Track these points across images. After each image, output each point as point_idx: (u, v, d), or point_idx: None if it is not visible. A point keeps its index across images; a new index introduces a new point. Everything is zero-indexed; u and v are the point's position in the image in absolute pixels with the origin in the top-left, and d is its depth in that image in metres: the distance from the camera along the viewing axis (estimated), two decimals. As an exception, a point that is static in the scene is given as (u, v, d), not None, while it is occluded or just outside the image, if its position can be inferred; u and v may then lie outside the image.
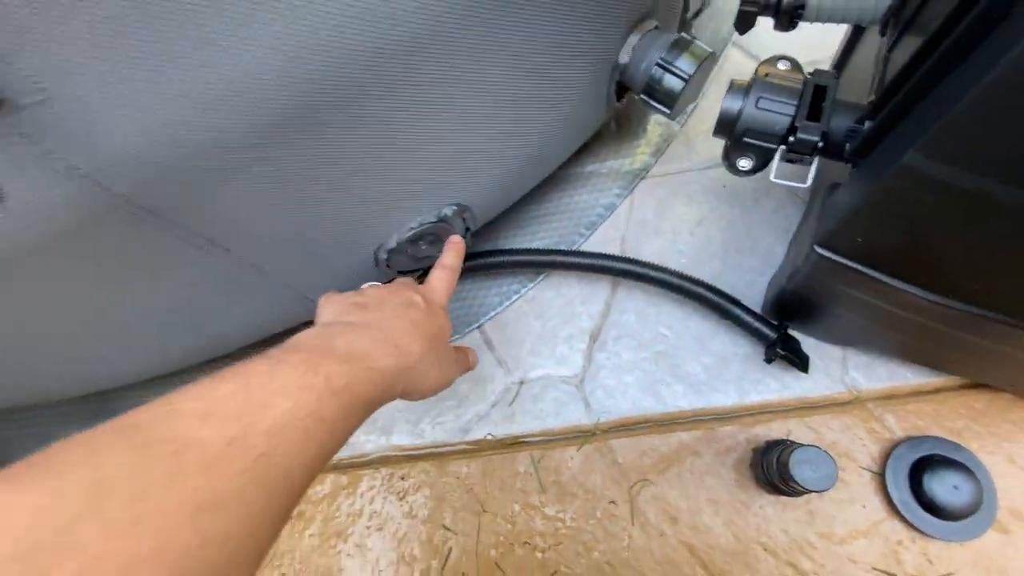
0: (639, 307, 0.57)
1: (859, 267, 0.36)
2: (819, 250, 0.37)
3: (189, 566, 0.17)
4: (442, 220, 0.46)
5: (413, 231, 0.45)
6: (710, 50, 0.44)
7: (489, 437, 0.55)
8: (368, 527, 0.53)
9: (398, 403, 0.59)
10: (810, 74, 0.39)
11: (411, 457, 0.56)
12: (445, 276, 0.42)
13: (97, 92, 0.25)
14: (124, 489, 0.17)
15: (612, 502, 0.50)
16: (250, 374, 0.23)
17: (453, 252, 0.45)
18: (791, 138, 0.38)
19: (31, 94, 0.23)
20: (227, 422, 0.20)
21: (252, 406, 0.21)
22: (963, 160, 0.26)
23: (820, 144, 0.37)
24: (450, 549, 0.51)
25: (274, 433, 0.21)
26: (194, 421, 0.20)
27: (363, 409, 0.27)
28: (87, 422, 0.20)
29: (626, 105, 0.60)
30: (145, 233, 0.32)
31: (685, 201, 0.60)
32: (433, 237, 0.48)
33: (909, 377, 0.50)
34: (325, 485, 0.56)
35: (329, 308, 0.36)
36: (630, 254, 0.57)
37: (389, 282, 0.42)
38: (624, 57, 0.46)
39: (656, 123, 0.64)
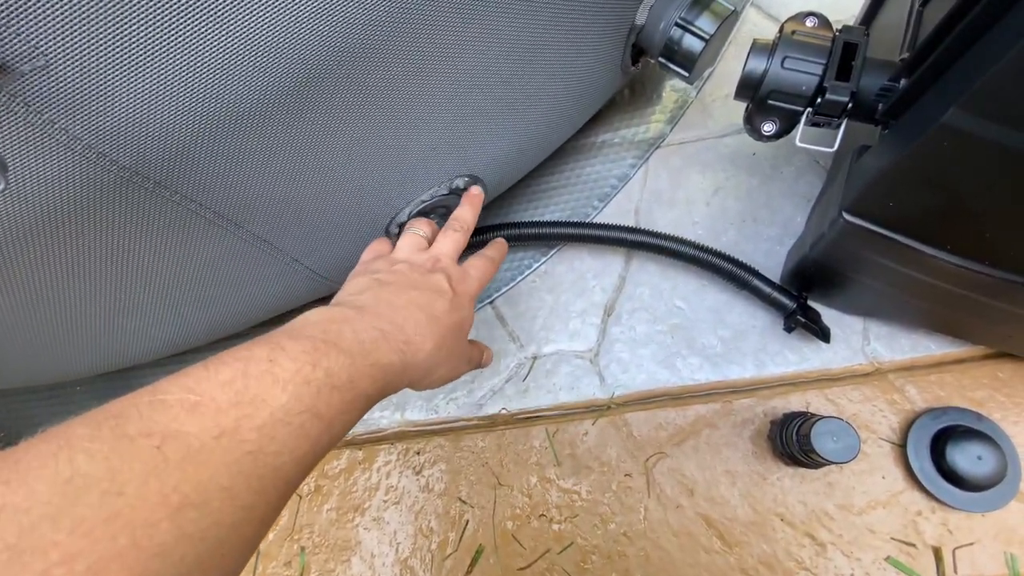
0: (653, 280, 0.56)
1: (890, 233, 0.34)
2: (848, 217, 0.35)
3: (167, 562, 0.16)
4: (454, 192, 0.45)
5: (425, 204, 0.44)
6: (732, 8, 0.42)
7: (503, 412, 0.55)
8: (385, 501, 0.54)
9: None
10: (839, 31, 0.37)
11: (426, 432, 0.56)
12: (484, 267, 0.40)
13: (99, 59, 0.24)
14: (98, 486, 0.16)
15: (628, 475, 0.50)
16: (248, 361, 0.22)
17: (499, 246, 0.44)
18: (819, 99, 0.36)
19: (31, 59, 0.22)
20: (218, 415, 0.19)
21: (247, 398, 0.20)
22: (1011, 116, 0.25)
23: (850, 105, 0.35)
24: (467, 521, 0.52)
25: (267, 429, 0.20)
26: (180, 412, 0.19)
27: (364, 403, 0.26)
28: (107, 399, 0.19)
29: (640, 70, 0.58)
30: (154, 207, 0.31)
31: (701, 170, 0.58)
32: (445, 210, 0.47)
33: (932, 348, 0.49)
34: (341, 460, 0.56)
35: (352, 282, 0.34)
36: (644, 225, 0.56)
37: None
38: (641, 17, 0.44)
39: (672, 89, 0.62)
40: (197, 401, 0.19)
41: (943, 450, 0.44)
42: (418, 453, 0.55)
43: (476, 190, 0.44)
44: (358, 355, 0.26)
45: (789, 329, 0.48)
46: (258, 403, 0.21)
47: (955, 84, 0.27)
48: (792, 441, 0.44)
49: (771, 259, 0.53)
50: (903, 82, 0.32)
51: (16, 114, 0.24)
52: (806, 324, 0.47)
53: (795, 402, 0.49)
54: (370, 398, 0.27)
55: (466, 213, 0.43)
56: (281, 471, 0.20)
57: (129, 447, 0.17)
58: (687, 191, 0.58)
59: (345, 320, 0.28)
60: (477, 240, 0.57)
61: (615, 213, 0.59)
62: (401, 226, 0.45)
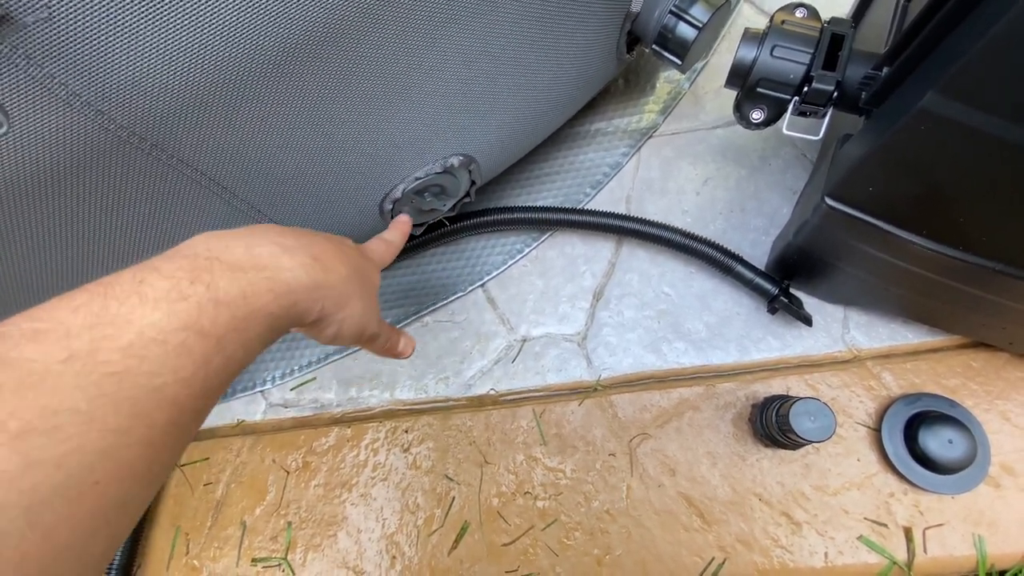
0: (642, 266, 0.57)
1: (869, 219, 0.35)
2: (829, 202, 0.36)
3: (13, 489, 0.15)
4: (448, 171, 0.46)
5: (419, 181, 0.45)
6: (725, -2, 0.43)
7: (492, 392, 0.56)
8: (372, 477, 0.54)
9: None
10: (827, 22, 0.38)
11: (414, 411, 0.57)
12: (382, 245, 0.40)
13: (101, 15, 0.24)
14: None
15: (612, 454, 0.51)
16: (111, 285, 0.20)
17: (396, 229, 0.43)
18: (806, 88, 0.37)
19: (34, 11, 0.23)
20: (67, 339, 0.18)
21: (106, 320, 0.19)
22: (983, 101, 0.26)
23: (835, 94, 0.36)
24: (453, 498, 0.52)
25: (135, 349, 0.19)
26: (21, 341, 0.18)
27: (267, 323, 0.23)
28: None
29: (635, 60, 0.59)
30: (150, 169, 0.32)
31: (692, 160, 0.59)
32: (438, 189, 0.48)
33: (909, 337, 0.50)
34: (330, 438, 0.57)
35: None
36: (635, 213, 0.56)
37: None
38: (636, 5, 0.45)
39: (665, 80, 0.63)
40: (41, 328, 0.18)
41: (916, 434, 0.45)
42: (406, 431, 0.56)
43: (404, 218, 0.45)
44: (251, 269, 0.23)
45: (772, 311, 0.50)
46: (121, 323, 0.19)
47: (933, 70, 0.28)
48: (771, 422, 0.45)
49: (757, 248, 0.54)
50: (885, 70, 0.33)
51: (17, 66, 0.24)
52: (787, 306, 0.48)
53: (776, 387, 0.50)
54: (273, 318, 0.24)
55: (393, 233, 0.43)
56: (163, 392, 0.19)
57: None
58: (678, 181, 0.59)
59: (236, 236, 0.24)
60: (473, 223, 0.58)
61: (607, 200, 0.60)
62: (395, 202, 0.46)
